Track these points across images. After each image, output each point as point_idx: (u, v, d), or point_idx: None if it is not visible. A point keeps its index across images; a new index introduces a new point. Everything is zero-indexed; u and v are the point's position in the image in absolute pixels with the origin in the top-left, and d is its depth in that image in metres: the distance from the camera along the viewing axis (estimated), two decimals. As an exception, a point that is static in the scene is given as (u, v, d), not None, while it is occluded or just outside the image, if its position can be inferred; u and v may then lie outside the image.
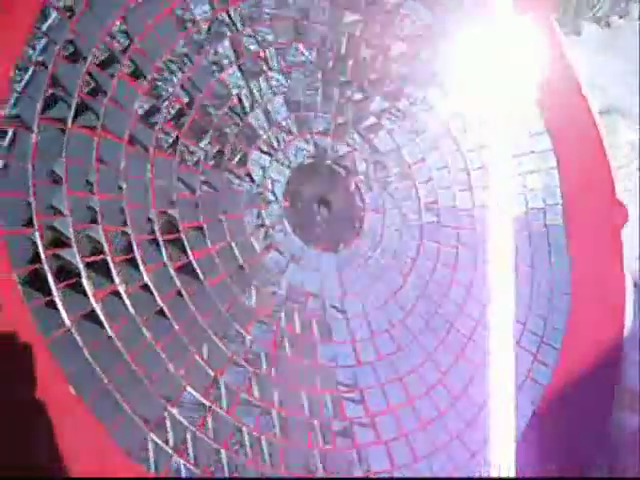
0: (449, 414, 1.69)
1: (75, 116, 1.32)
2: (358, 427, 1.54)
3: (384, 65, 1.87)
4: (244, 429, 1.43)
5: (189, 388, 1.38)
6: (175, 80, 1.49)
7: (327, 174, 1.80)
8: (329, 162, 1.79)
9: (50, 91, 1.28)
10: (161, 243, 1.41)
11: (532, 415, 1.79)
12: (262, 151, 1.68)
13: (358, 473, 1.53)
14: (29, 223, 1.24)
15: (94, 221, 1.32)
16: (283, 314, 1.57)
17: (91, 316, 1.28)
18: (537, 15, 2.03)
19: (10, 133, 1.24)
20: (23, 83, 1.27)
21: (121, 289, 1.32)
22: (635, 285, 2.84)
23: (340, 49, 1.79)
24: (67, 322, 1.24)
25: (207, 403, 1.39)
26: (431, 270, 1.88)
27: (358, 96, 1.83)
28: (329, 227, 1.78)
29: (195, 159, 1.52)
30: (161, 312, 1.38)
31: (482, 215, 1.98)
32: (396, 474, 1.54)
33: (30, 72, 1.28)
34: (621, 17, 3.42)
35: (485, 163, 2.01)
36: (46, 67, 1.28)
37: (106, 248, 1.32)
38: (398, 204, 1.89)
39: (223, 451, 1.39)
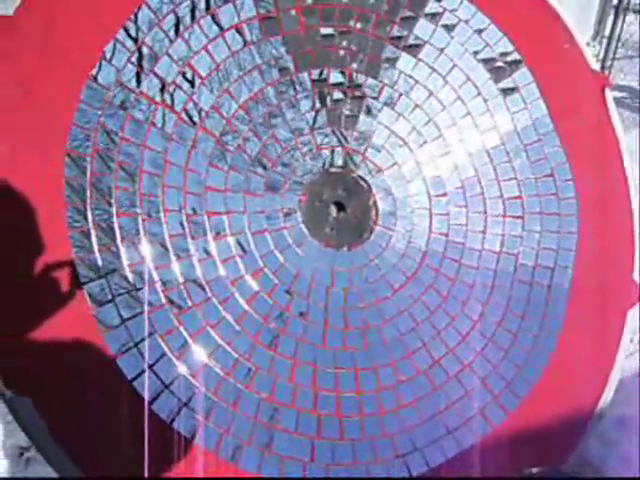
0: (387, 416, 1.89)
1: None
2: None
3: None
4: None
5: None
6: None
7: (351, 184, 2.06)
8: (355, 175, 2.06)
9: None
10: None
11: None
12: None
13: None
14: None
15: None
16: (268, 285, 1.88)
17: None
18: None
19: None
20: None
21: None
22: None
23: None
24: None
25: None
26: (422, 292, 2.07)
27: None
28: (339, 229, 2.04)
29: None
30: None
31: (488, 258, 2.13)
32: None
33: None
34: None
35: (505, 212, 2.16)
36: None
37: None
38: (409, 228, 2.10)
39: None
